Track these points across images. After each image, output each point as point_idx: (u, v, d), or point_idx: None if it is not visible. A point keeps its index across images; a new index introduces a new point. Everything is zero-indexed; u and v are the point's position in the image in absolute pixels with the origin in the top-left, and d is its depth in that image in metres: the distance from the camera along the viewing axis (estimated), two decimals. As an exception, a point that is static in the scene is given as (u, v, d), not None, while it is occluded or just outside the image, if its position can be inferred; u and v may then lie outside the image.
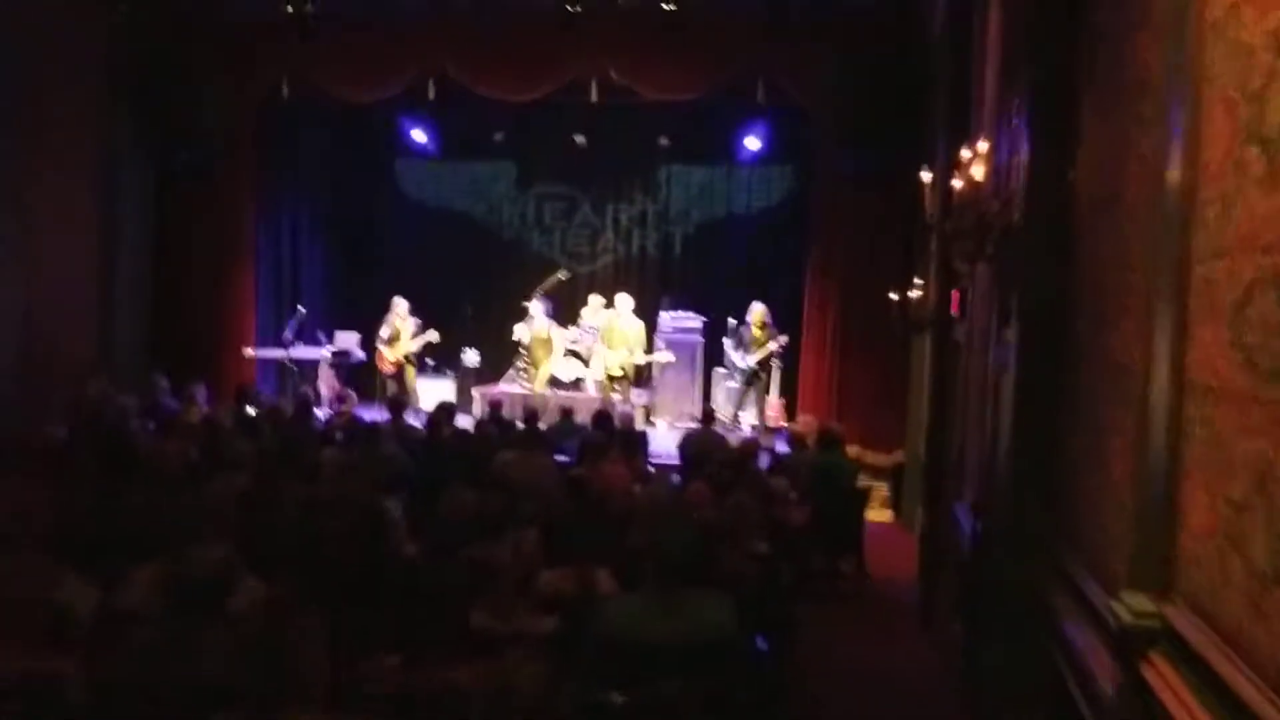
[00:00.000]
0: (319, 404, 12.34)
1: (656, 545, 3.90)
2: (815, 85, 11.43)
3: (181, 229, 12.42)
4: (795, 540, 7.03)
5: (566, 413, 10.52)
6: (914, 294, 9.05)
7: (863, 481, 10.38)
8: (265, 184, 13.07)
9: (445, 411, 9.81)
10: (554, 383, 13.82)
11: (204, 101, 12.06)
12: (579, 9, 10.60)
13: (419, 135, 14.57)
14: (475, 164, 15.12)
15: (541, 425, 10.72)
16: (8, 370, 10.45)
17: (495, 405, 10.55)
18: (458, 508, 5.47)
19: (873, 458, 11.46)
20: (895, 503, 11.39)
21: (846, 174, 11.60)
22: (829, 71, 11.23)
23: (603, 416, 9.75)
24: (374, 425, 8.54)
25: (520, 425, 9.58)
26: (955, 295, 7.18)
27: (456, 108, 14.00)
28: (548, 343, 13.06)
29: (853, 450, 11.21)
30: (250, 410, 9.77)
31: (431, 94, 12.03)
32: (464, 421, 10.40)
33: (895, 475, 11.41)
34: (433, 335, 12.82)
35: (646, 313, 14.06)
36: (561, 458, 9.05)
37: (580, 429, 9.95)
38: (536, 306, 12.97)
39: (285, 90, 12.25)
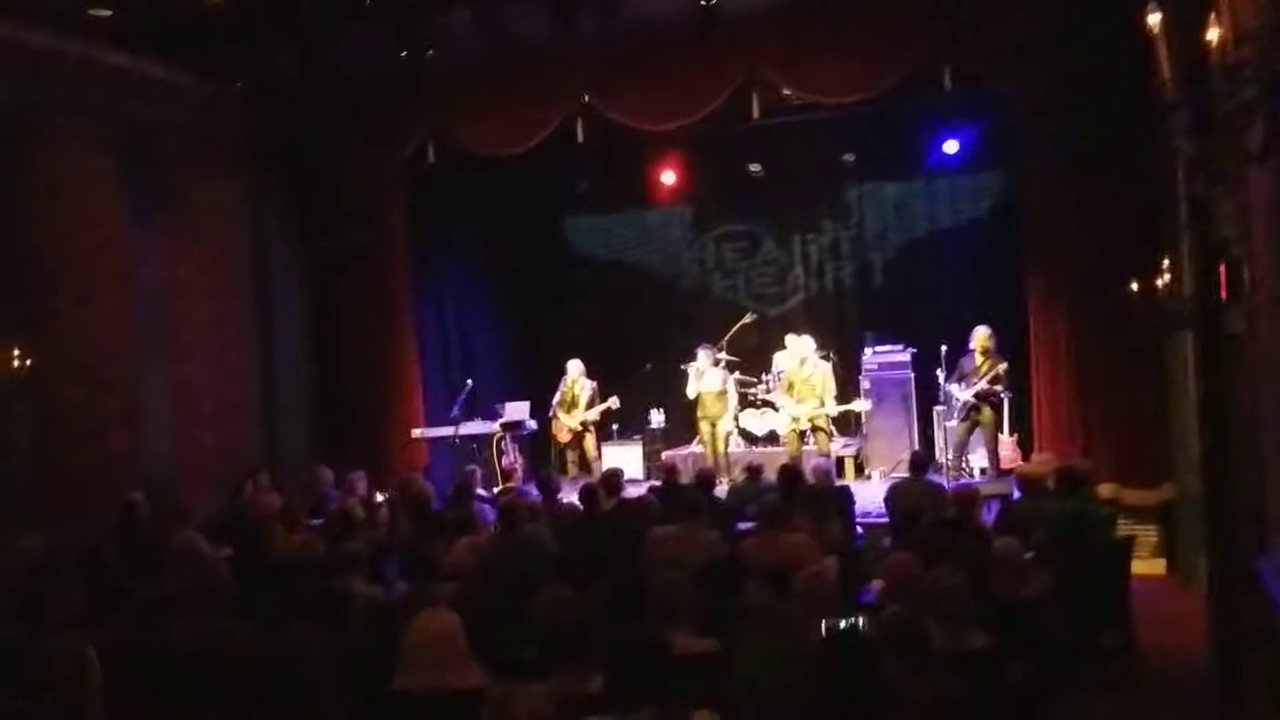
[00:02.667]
0: (506, 480, 11.44)
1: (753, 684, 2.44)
2: (1008, 61, 9.65)
3: (338, 313, 11.83)
4: (1031, 617, 5.30)
5: (753, 471, 9.05)
6: (1161, 281, 7.07)
7: (1123, 528, 8.42)
8: (422, 256, 12.37)
9: (609, 483, 8.58)
10: (747, 437, 12.43)
11: (346, 178, 11.46)
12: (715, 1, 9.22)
13: (585, 188, 13.64)
14: (646, 211, 14.00)
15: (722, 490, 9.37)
16: (164, 484, 9.94)
17: (669, 471, 9.20)
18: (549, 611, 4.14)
19: (1134, 496, 9.37)
20: (1168, 550, 9.27)
21: (1061, 161, 9.68)
22: (1021, 38, 9.45)
23: (788, 473, 8.25)
24: (515, 506, 7.34)
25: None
26: (1221, 271, 5.31)
27: (620, 153, 13.03)
28: (723, 396, 11.64)
29: (1106, 490, 9.23)
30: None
31: (580, 135, 10.95)
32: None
33: (1165, 516, 9.30)
34: (613, 402, 11.72)
35: (849, 351, 12.50)
36: (746, 525, 7.67)
37: (767, 489, 8.47)
38: (703, 358, 11.63)
39: (431, 154, 11.50)
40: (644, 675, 3.15)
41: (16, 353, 8.54)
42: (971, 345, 10.64)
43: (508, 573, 6.13)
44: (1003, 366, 10.40)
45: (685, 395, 11.93)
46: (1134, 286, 7.42)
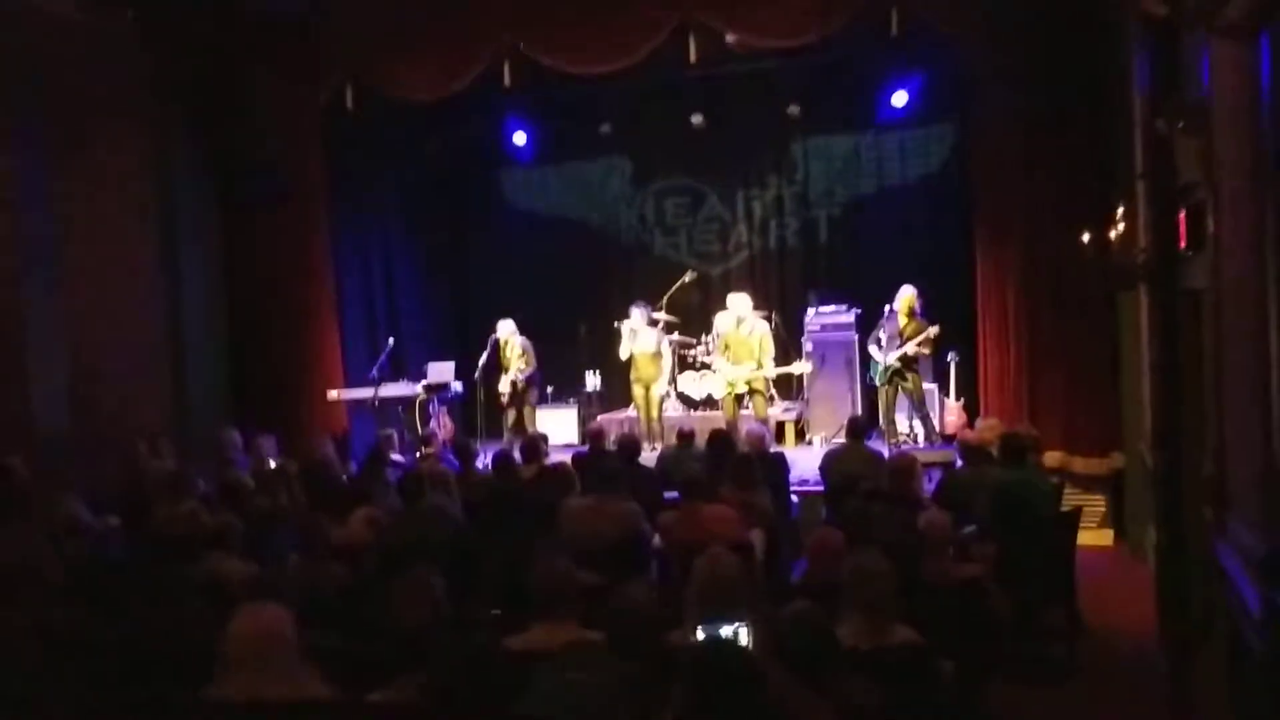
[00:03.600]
0: (425, 446, 10.82)
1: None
2: (959, 1, 9.12)
3: (252, 266, 11.07)
4: (967, 601, 4.81)
5: (684, 438, 8.51)
6: (1115, 232, 6.55)
7: (1070, 497, 8.01)
8: (345, 208, 11.66)
9: (528, 449, 8.02)
10: (685, 402, 11.91)
11: (259, 121, 10.71)
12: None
13: (520, 138, 12.99)
14: (584, 164, 13.37)
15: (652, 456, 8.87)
16: (58, 443, 9.22)
17: (595, 436, 8.65)
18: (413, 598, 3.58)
19: (1082, 464, 8.97)
20: (1116, 521, 8.89)
21: (1012, 109, 9.19)
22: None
23: (718, 439, 7.73)
24: (416, 475, 6.74)
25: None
26: (1181, 219, 4.80)
27: (557, 104, 12.38)
28: (658, 358, 11.08)
29: (1054, 459, 8.83)
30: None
31: (507, 80, 10.25)
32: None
33: (1114, 486, 8.91)
34: (528, 365, 11.15)
35: (794, 312, 11.99)
36: (672, 495, 7.15)
37: (696, 457, 7.95)
38: (637, 317, 11.05)
39: (350, 99, 10.75)
40: (477, 682, 2.60)
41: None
42: (895, 306, 10.17)
43: (399, 552, 5.57)
44: (933, 330, 9.91)
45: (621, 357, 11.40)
46: (1085, 238, 6.91)
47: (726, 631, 3.03)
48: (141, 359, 10.35)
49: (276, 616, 3.14)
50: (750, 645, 2.99)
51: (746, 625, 3.05)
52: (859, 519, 5.73)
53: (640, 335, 10.98)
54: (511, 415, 11.37)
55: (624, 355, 11.06)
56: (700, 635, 3.07)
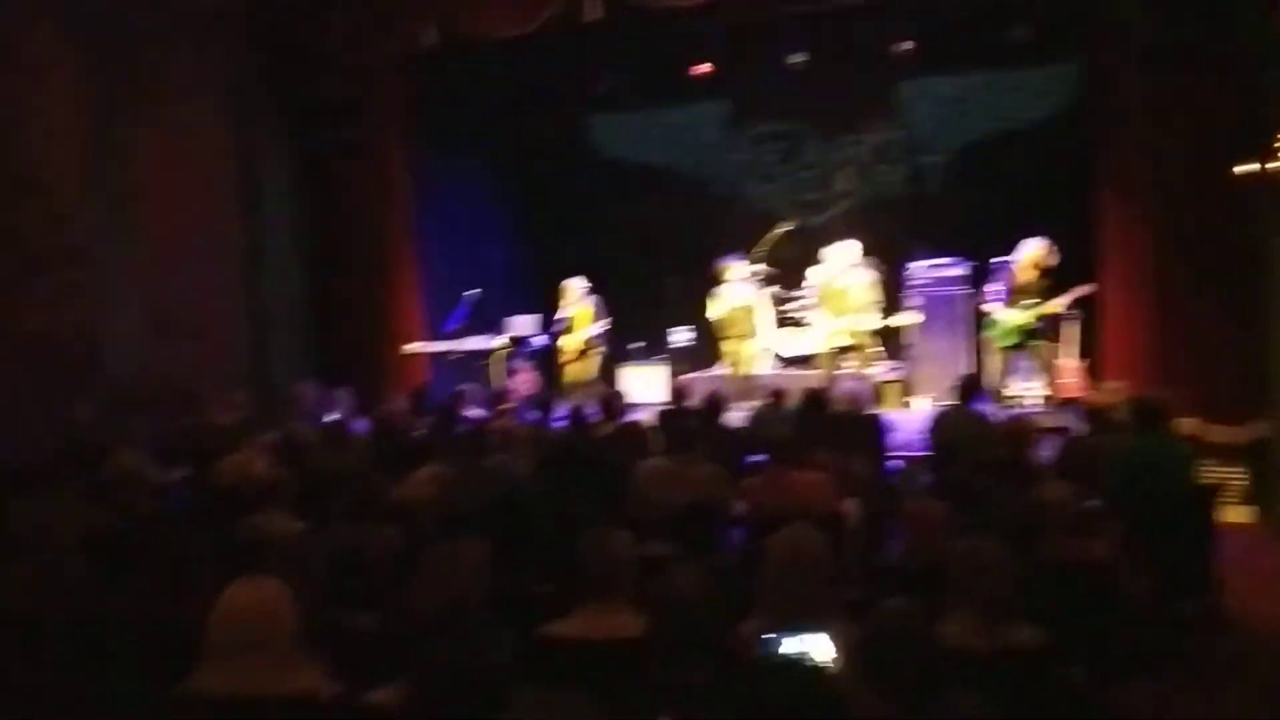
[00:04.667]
0: (503, 402, 10.41)
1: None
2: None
3: (332, 216, 10.74)
4: (1096, 587, 4.15)
5: (775, 397, 7.92)
6: (1272, 164, 5.68)
7: (1206, 471, 7.19)
8: (428, 154, 11.22)
9: (606, 406, 7.50)
10: (780, 359, 11.26)
11: (338, 64, 10.32)
12: None
13: (607, 82, 12.37)
14: (677, 109, 12.71)
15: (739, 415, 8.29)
16: (130, 394, 9.02)
17: (678, 394, 8.09)
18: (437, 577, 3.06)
19: (1220, 433, 8.09)
20: (1259, 496, 8.00)
21: (1145, 43, 8.29)
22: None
23: (811, 398, 7.10)
24: (480, 431, 6.29)
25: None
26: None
27: (647, 45, 11.72)
28: (750, 314, 10.39)
29: (1188, 426, 7.95)
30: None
31: (593, 13, 9.63)
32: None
33: (1256, 456, 8.01)
34: (603, 323, 10.66)
35: (898, 265, 11.20)
36: (759, 458, 6.59)
37: (788, 417, 7.33)
38: (733, 270, 10.38)
39: (431, 38, 10.26)
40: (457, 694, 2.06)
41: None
42: (1016, 259, 9.31)
43: (456, 514, 5.10)
44: (1086, 288, 9.04)
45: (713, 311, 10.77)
46: (1238, 169, 6.05)
47: (802, 646, 2.45)
48: (219, 310, 10.14)
49: (271, 594, 2.66)
50: (831, 661, 2.42)
51: (827, 634, 2.46)
52: (965, 490, 5.09)
53: (735, 289, 10.32)
54: (574, 374, 10.87)
55: (714, 312, 10.40)
56: (770, 645, 2.48)
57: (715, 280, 10.43)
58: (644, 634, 2.71)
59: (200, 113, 9.97)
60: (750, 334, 10.38)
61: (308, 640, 2.89)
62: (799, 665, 2.31)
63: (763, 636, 2.44)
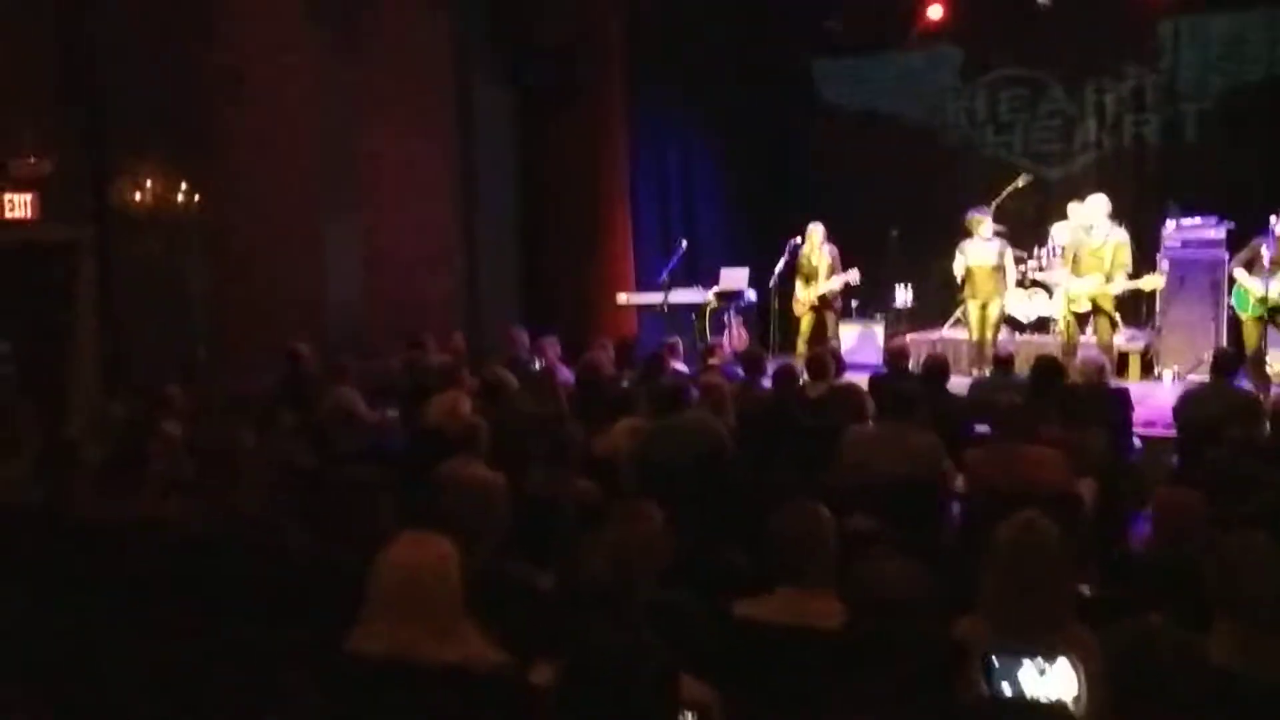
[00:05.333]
0: (710, 356, 10.12)
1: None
2: None
3: (546, 160, 10.67)
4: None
5: (1004, 363, 7.29)
6: None
7: None
8: (642, 98, 10.99)
9: (816, 365, 7.07)
10: (1011, 324, 10.48)
11: (557, 5, 10.18)
12: None
13: (834, 24, 11.77)
14: (908, 53, 11.96)
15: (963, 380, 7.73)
16: (348, 332, 9.24)
17: (896, 355, 7.57)
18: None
19: None
20: None
21: None
22: None
23: (1044, 366, 6.47)
24: (676, 386, 6.01)
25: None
26: None
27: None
28: (996, 273, 9.58)
29: None
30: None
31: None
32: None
33: None
34: (852, 275, 9.97)
35: (1148, 225, 10.21)
36: (983, 429, 6.08)
37: (1016, 387, 6.73)
38: (981, 225, 9.59)
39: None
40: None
41: (184, 187, 7.86)
42: (1275, 230, 8.24)
43: (650, 469, 4.86)
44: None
45: (940, 269, 10.11)
46: None
47: (1036, 677, 2.03)
48: (434, 250, 10.26)
49: (440, 553, 2.46)
50: (1073, 701, 1.99)
51: (1068, 661, 2.03)
52: (1225, 477, 4.46)
53: (982, 244, 9.56)
54: (808, 327, 10.34)
55: (958, 269, 9.63)
56: (996, 675, 2.06)
57: (965, 233, 9.67)
58: (843, 627, 2.37)
59: (420, 54, 10.04)
60: (995, 295, 9.58)
61: (481, 597, 2.69)
62: (1036, 713, 1.89)
63: (988, 658, 2.03)
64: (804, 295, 10.19)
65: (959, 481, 5.12)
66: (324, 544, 3.29)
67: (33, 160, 7.28)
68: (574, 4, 10.20)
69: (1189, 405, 6.37)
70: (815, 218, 10.42)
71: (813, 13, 11.66)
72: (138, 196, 7.64)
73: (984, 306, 9.58)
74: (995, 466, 4.87)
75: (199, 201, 8.09)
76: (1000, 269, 9.59)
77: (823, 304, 10.15)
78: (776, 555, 2.90)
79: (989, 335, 9.55)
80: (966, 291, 9.66)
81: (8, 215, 7.31)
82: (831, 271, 10.05)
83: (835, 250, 10.14)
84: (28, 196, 7.35)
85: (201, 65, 8.37)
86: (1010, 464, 4.83)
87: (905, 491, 4.56)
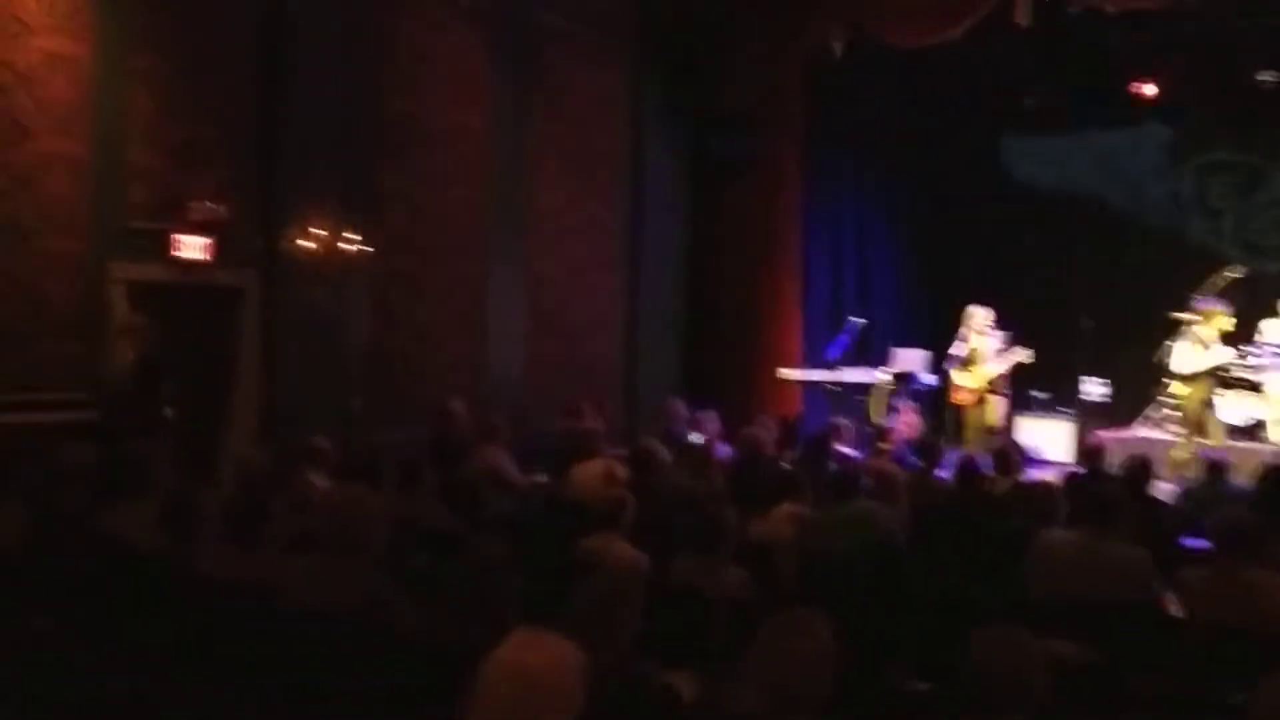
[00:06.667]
0: (883, 440, 9.51)
1: None
2: None
3: (718, 229, 10.36)
4: None
5: (1216, 469, 6.47)
6: None
7: None
8: (820, 170, 10.60)
9: (1003, 459, 6.43)
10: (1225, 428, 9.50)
11: (738, 73, 9.91)
12: None
13: (1031, 99, 11.12)
14: (1111, 133, 11.20)
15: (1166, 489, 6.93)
16: (508, 394, 9.03)
17: (1092, 454, 6.84)
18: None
19: None
20: None
21: None
22: None
23: (1274, 475, 5.67)
24: (851, 471, 5.49)
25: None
26: None
27: (1082, 55, 10.39)
28: (1214, 374, 8.69)
29: None
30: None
31: (1023, 19, 8.57)
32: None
33: None
34: (1024, 354, 9.28)
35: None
36: (1196, 543, 5.37)
37: (1236, 498, 5.93)
38: (1220, 320, 8.74)
39: (837, 46, 9.62)
40: None
41: (350, 236, 7.81)
42: None
43: (814, 563, 4.34)
44: None
45: (1140, 360, 9.24)
46: None
47: None
48: (597, 317, 10.02)
49: (557, 655, 2.04)
50: None
51: None
52: None
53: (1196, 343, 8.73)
54: (974, 419, 9.63)
55: (1186, 367, 8.83)
56: None
57: (1186, 323, 8.87)
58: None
59: (596, 115, 9.94)
60: (1211, 395, 8.72)
61: (609, 702, 2.26)
62: None
63: None
64: (965, 382, 9.50)
65: (1172, 606, 4.42)
66: (440, 625, 2.91)
67: (209, 205, 7.33)
68: (755, 72, 9.90)
69: None
70: (998, 303, 9.77)
71: (1003, 86, 11.05)
72: (306, 244, 7.62)
73: (1202, 408, 8.72)
74: (1219, 590, 4.15)
75: (366, 251, 8.03)
76: (1225, 369, 8.81)
77: (990, 389, 9.45)
78: (971, 688, 2.36)
79: (1208, 441, 8.61)
80: (1182, 388, 8.79)
81: (183, 256, 7.37)
82: (1001, 356, 9.39)
83: (1007, 335, 9.50)
84: (203, 240, 7.40)
85: (378, 112, 8.39)
86: (1237, 588, 4.11)
87: (1119, 615, 3.91)
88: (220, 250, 7.48)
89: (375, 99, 8.35)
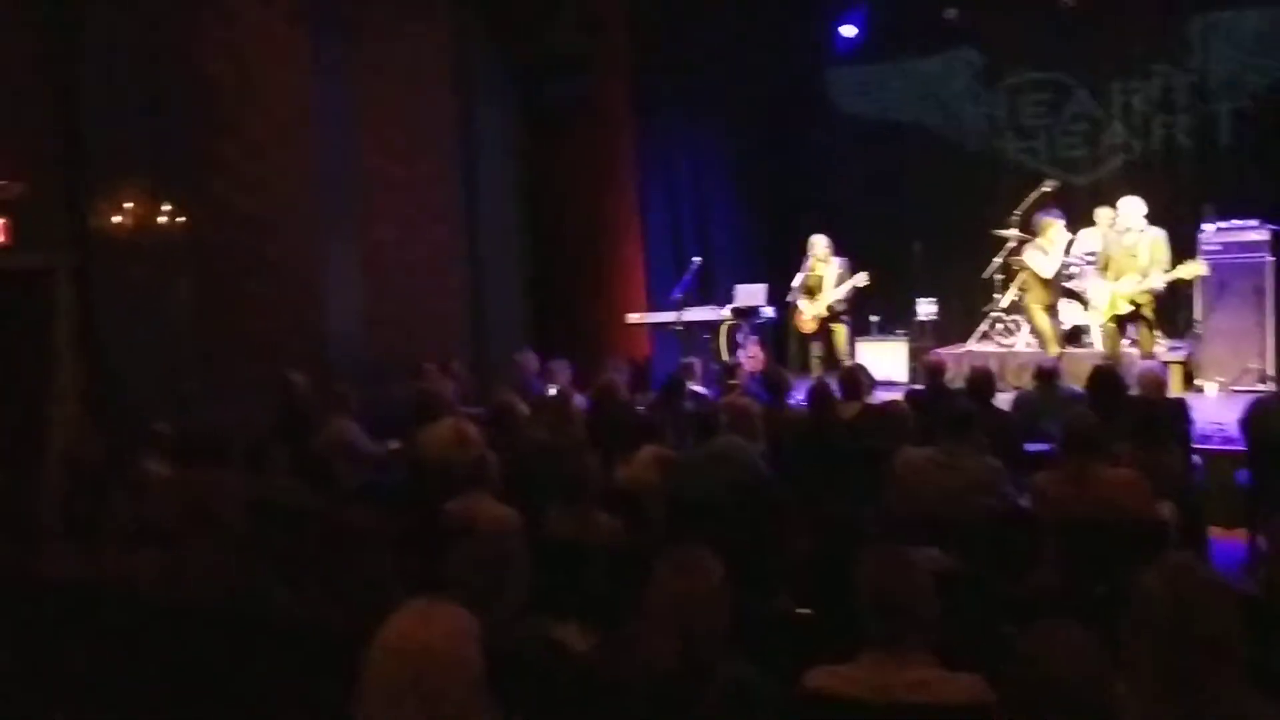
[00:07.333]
0: (730, 377, 9.63)
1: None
2: None
3: (553, 177, 10.21)
4: None
5: (1044, 376, 6.73)
6: None
7: None
8: (651, 111, 10.54)
9: (849, 382, 6.57)
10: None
11: (562, 17, 9.73)
12: None
13: (849, 30, 11.33)
14: (925, 60, 11.51)
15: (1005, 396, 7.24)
16: (349, 361, 8.73)
17: (933, 371, 7.06)
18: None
19: None
20: None
21: None
22: None
23: (1104, 378, 5.96)
24: (710, 409, 5.52)
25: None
26: None
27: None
28: (1046, 283, 9.02)
29: None
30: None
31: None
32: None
33: None
34: (859, 279, 9.49)
35: (1180, 232, 9.68)
36: (1038, 447, 5.61)
37: (1070, 401, 6.21)
38: (1058, 229, 9.04)
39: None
40: None
41: (167, 208, 7.37)
42: None
43: (681, 501, 4.35)
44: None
45: (970, 279, 9.58)
46: None
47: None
48: (437, 275, 9.79)
49: (454, 628, 1.94)
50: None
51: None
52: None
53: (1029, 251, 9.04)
54: (819, 347, 9.84)
55: (1047, 271, 8.93)
56: None
57: (1034, 235, 9.14)
58: (978, 704, 1.84)
59: (421, 69, 9.62)
60: (1043, 303, 9.01)
61: (504, 667, 2.18)
62: None
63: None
64: (809, 310, 9.69)
65: (1025, 507, 4.61)
66: (312, 605, 2.77)
67: (2, 183, 6.78)
68: (581, 11, 9.73)
69: (1261, 416, 5.85)
70: (831, 231, 9.95)
71: (825, 19, 11.22)
72: (119, 219, 7.14)
73: (1034, 317, 9.08)
74: (1070, 490, 4.35)
75: (186, 223, 7.59)
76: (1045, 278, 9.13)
77: (831, 316, 9.67)
78: (869, 612, 2.37)
79: (1056, 348, 8.92)
80: (1030, 298, 9.11)
81: (-24, 241, 6.82)
82: (839, 282, 9.59)
83: (845, 262, 9.69)
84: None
85: (189, 77, 7.90)
86: (1087, 487, 4.31)
87: (981, 524, 4.04)
88: (19, 231, 6.94)
89: (185, 63, 7.84)
